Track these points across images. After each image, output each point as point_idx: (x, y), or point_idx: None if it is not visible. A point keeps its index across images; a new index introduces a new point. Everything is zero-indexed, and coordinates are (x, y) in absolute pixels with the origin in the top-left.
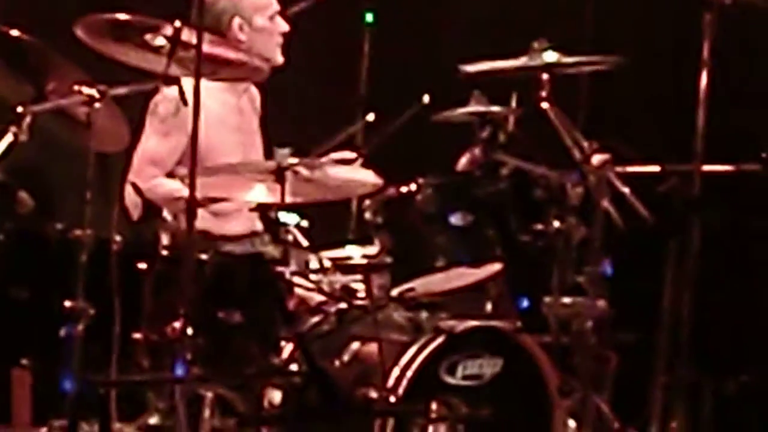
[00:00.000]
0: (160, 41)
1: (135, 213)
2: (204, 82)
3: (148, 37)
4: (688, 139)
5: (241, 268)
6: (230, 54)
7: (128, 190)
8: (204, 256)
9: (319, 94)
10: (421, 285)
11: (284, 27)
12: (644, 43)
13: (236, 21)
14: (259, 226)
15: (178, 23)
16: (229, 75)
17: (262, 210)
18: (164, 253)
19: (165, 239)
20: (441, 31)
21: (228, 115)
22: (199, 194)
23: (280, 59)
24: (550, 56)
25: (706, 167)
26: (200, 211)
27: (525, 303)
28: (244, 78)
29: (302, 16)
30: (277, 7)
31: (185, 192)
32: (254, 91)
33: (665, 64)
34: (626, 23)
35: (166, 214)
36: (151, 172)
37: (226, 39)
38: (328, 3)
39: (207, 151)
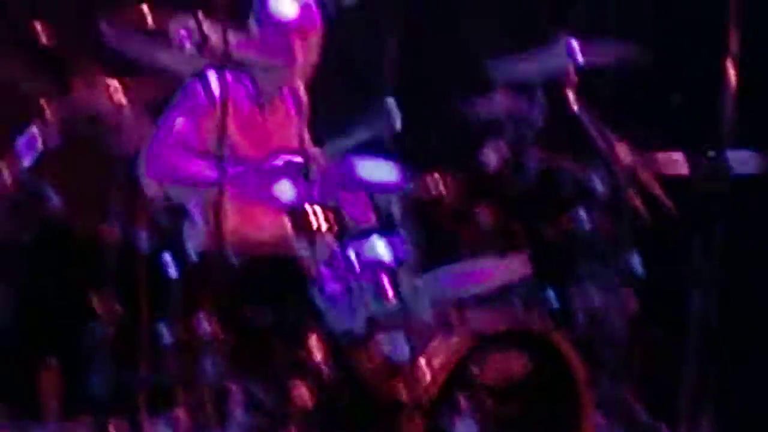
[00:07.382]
0: (184, 35)
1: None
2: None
3: (171, 31)
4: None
5: (269, 266)
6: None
7: (149, 182)
8: (232, 255)
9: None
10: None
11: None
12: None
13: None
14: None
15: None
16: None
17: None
18: (191, 251)
19: (192, 238)
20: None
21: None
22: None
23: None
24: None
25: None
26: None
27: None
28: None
29: None
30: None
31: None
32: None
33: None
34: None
35: (193, 213)
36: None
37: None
38: None
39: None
